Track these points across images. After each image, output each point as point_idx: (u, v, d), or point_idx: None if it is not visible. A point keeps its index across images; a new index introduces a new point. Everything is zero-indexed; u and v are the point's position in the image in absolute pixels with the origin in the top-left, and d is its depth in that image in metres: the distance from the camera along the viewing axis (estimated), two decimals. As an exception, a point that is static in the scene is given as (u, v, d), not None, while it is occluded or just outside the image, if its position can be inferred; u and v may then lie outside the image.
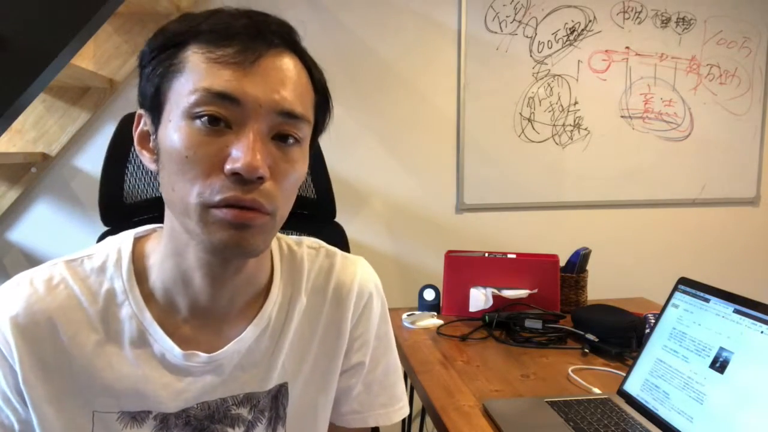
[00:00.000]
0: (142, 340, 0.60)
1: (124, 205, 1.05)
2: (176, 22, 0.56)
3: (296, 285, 0.69)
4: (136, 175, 1.05)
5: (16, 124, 1.82)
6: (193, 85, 0.52)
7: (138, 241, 0.64)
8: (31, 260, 1.93)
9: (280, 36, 0.55)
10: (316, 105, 0.60)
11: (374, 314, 0.73)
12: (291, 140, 0.55)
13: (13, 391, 0.57)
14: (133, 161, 1.05)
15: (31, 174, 1.90)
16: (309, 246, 0.72)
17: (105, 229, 1.05)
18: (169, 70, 0.54)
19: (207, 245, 0.55)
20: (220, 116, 0.52)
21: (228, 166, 0.51)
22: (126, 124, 1.04)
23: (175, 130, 0.53)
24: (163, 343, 0.60)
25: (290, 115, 0.54)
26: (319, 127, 0.62)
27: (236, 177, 0.51)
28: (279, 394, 0.67)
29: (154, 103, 0.55)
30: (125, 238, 0.64)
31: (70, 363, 0.58)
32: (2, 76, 1.16)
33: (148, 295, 0.61)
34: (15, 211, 1.92)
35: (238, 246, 0.54)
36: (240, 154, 0.51)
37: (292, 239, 0.73)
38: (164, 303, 0.62)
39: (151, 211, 1.07)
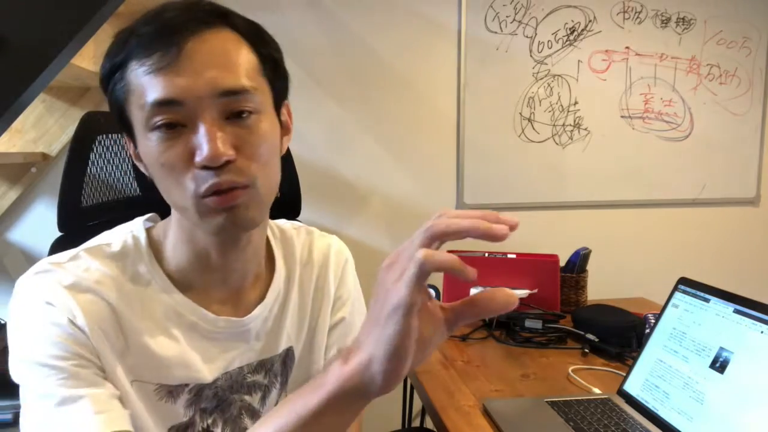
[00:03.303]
0: (173, 314, 0.63)
1: (80, 209, 1.01)
2: (114, 42, 0.58)
3: (292, 259, 0.76)
4: (99, 177, 1.01)
5: (16, 124, 1.82)
6: (140, 102, 0.55)
7: (147, 229, 0.67)
8: (31, 260, 1.93)
9: (201, 19, 0.56)
10: (268, 72, 0.61)
11: (350, 277, 0.81)
12: (246, 114, 0.57)
13: (89, 341, 0.58)
14: (96, 162, 1.01)
15: (31, 174, 1.90)
16: (292, 227, 0.80)
17: (59, 235, 0.99)
18: (123, 92, 0.57)
19: (209, 231, 0.60)
20: (172, 121, 0.55)
21: (197, 160, 0.55)
22: (87, 123, 1.00)
23: (145, 145, 0.57)
24: (194, 311, 0.64)
25: (233, 92, 0.56)
26: (279, 92, 0.63)
27: (207, 167, 0.55)
28: (287, 358, 0.73)
29: (125, 126, 0.60)
30: (136, 226, 0.67)
31: (119, 327, 0.60)
32: (2, 76, 1.16)
33: (169, 275, 0.65)
34: (15, 211, 1.92)
35: (233, 224, 0.58)
36: (203, 147, 0.54)
37: (277, 223, 0.79)
38: (181, 284, 0.65)
39: (106, 215, 1.03)
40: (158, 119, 0.55)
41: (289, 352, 0.73)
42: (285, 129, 0.66)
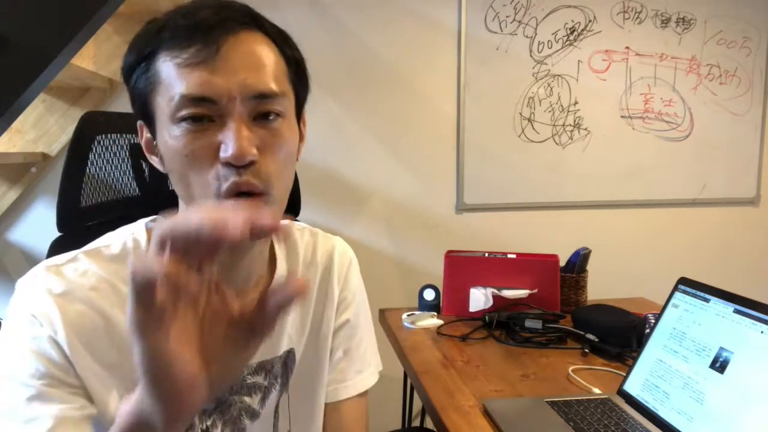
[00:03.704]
0: None
1: (79, 209, 0.99)
2: (143, 33, 0.58)
3: (294, 260, 0.75)
4: (98, 177, 1.00)
5: (16, 124, 1.82)
6: (170, 94, 0.55)
7: (148, 230, 0.67)
8: (31, 260, 1.93)
9: (237, 20, 0.57)
10: (293, 77, 0.62)
11: (354, 278, 0.81)
12: (272, 116, 0.58)
13: (65, 361, 0.57)
14: (95, 162, 0.99)
15: (31, 174, 1.90)
16: (296, 227, 0.80)
17: (58, 235, 0.97)
18: (149, 82, 0.57)
19: None
20: (201, 115, 0.55)
21: (222, 155, 0.55)
22: (86, 123, 0.99)
23: (168, 136, 0.57)
24: None
25: (265, 95, 0.57)
26: (300, 98, 0.64)
27: (230, 164, 0.55)
28: (288, 360, 0.72)
29: (147, 115, 0.60)
30: (137, 228, 0.66)
31: (110, 340, 0.59)
32: (2, 76, 1.16)
33: None
34: (15, 211, 1.92)
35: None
36: (228, 144, 0.55)
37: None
38: None
39: (106, 215, 1.01)
40: (187, 112, 0.55)
41: (290, 354, 0.73)
42: (300, 136, 0.67)
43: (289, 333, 0.72)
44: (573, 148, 2.24)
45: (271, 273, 0.72)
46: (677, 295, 1.04)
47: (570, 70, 2.20)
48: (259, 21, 0.59)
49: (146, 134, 0.62)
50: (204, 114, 0.55)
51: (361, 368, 0.80)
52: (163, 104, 0.56)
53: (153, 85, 0.57)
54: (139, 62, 0.58)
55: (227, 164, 0.55)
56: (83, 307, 0.58)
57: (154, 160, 0.63)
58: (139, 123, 0.63)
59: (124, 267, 0.62)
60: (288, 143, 0.60)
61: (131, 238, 0.65)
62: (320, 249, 0.78)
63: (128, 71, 0.59)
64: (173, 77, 0.55)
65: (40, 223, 1.92)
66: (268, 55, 0.58)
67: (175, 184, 0.60)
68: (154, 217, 0.69)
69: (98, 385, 0.58)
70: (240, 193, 0.56)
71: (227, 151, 0.55)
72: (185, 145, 0.56)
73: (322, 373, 0.77)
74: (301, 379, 0.74)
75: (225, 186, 0.56)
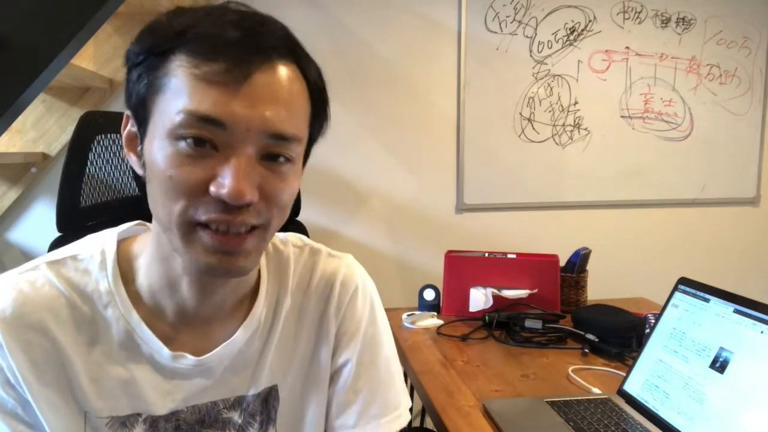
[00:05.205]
0: (129, 341, 0.59)
1: (79, 209, 0.98)
2: (166, 22, 0.52)
3: (283, 285, 0.67)
4: (97, 177, 0.99)
5: (16, 124, 1.82)
6: (177, 106, 0.49)
7: (121, 242, 0.63)
8: (30, 260, 1.93)
9: (274, 46, 0.51)
10: (312, 116, 0.57)
11: (360, 310, 0.70)
12: (282, 159, 0.53)
13: (12, 378, 0.56)
14: (94, 162, 0.99)
15: (31, 174, 1.90)
16: (294, 244, 0.70)
17: (57, 235, 0.96)
18: (155, 81, 0.51)
19: (192, 265, 0.54)
20: (205, 138, 0.49)
21: (213, 190, 0.49)
22: (86, 123, 0.98)
23: (159, 149, 0.50)
24: (150, 343, 0.59)
25: (281, 137, 0.51)
26: (313, 139, 0.59)
27: (223, 201, 0.50)
28: (269, 397, 0.66)
29: (140, 113, 0.53)
30: (108, 239, 0.62)
31: (61, 363, 0.57)
32: (2, 76, 1.16)
33: (134, 297, 0.60)
34: (15, 211, 1.92)
35: (226, 270, 0.53)
36: (226, 180, 0.49)
37: (277, 237, 0.70)
38: (151, 305, 0.61)
39: (105, 215, 1.01)
40: (189, 132, 0.49)
41: (272, 391, 0.66)
42: None
43: (271, 368, 0.65)
44: (573, 148, 2.24)
45: (254, 300, 0.65)
46: (677, 295, 1.04)
47: (570, 70, 2.20)
48: (295, 50, 0.53)
49: (131, 128, 0.56)
50: (208, 139, 0.49)
51: (384, 412, 0.69)
52: (165, 114, 0.50)
53: (160, 87, 0.50)
54: (148, 55, 0.51)
55: (218, 200, 0.50)
56: (33, 335, 0.56)
57: (133, 159, 0.56)
58: (127, 113, 0.56)
59: (87, 283, 0.59)
60: (292, 189, 0.55)
61: (99, 251, 0.60)
62: (319, 273, 0.69)
63: (137, 57, 0.52)
64: (186, 88, 0.49)
65: (40, 223, 1.93)
66: (295, 88, 0.53)
67: (148, 195, 0.55)
68: (130, 224, 0.65)
69: (53, 406, 0.57)
70: (226, 231, 0.51)
71: (222, 186, 0.49)
72: (173, 166, 0.50)
73: (313, 416, 0.68)
74: (289, 419, 0.67)
75: (206, 216, 0.50)
